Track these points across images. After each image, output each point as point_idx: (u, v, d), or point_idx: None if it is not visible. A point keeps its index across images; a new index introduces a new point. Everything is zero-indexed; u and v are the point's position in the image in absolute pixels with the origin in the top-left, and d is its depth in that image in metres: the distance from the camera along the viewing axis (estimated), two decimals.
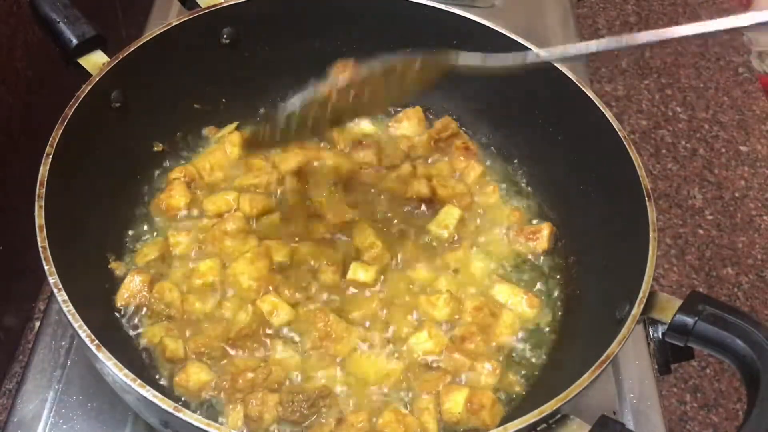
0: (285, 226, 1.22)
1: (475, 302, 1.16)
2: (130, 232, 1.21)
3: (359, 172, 1.31)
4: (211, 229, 1.19)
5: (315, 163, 1.31)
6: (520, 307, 1.17)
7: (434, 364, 1.10)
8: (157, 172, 1.28)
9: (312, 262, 1.18)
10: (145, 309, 1.12)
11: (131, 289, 1.11)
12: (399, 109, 1.42)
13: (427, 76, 1.09)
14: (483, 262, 1.23)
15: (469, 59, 1.07)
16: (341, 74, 1.04)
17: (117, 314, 1.11)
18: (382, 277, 1.18)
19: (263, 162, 1.30)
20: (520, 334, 1.16)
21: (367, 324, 1.13)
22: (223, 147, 1.31)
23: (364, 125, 1.39)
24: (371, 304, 1.15)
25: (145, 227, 1.22)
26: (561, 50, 1.08)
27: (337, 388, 1.06)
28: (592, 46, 1.01)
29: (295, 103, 1.05)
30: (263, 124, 1.12)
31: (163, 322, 1.10)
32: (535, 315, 1.18)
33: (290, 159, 1.29)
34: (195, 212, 1.23)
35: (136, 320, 1.11)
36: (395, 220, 1.26)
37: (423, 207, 1.27)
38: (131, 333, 1.10)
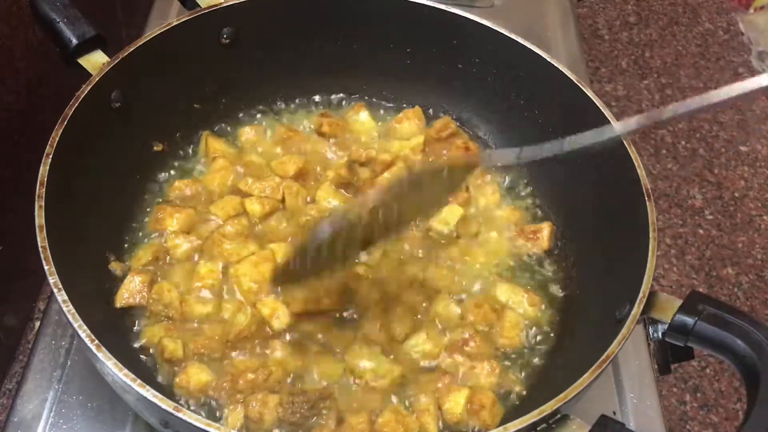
0: (288, 226, 1.22)
1: (475, 299, 1.16)
2: (130, 232, 1.21)
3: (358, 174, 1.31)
4: (211, 234, 1.19)
5: (317, 168, 1.31)
6: (521, 306, 1.17)
7: (434, 365, 1.10)
8: (157, 175, 1.28)
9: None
10: (144, 309, 1.12)
11: (131, 289, 1.11)
12: (402, 105, 1.42)
13: (458, 179, 1.06)
14: (483, 261, 1.23)
15: (502, 157, 1.03)
16: (368, 194, 1.00)
17: (117, 314, 1.11)
18: (381, 274, 1.18)
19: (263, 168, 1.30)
20: (521, 334, 1.16)
21: (362, 319, 1.13)
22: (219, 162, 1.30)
23: (364, 120, 1.39)
24: (369, 299, 1.14)
25: (145, 228, 1.22)
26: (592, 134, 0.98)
27: (337, 390, 1.06)
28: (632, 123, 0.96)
29: (325, 230, 0.98)
30: (293, 256, 1.03)
31: (162, 323, 1.10)
32: (536, 314, 1.18)
33: (289, 163, 1.30)
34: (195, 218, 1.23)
35: (135, 320, 1.11)
36: (395, 217, 1.26)
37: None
38: (131, 333, 1.10)
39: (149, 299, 1.11)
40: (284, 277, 1.07)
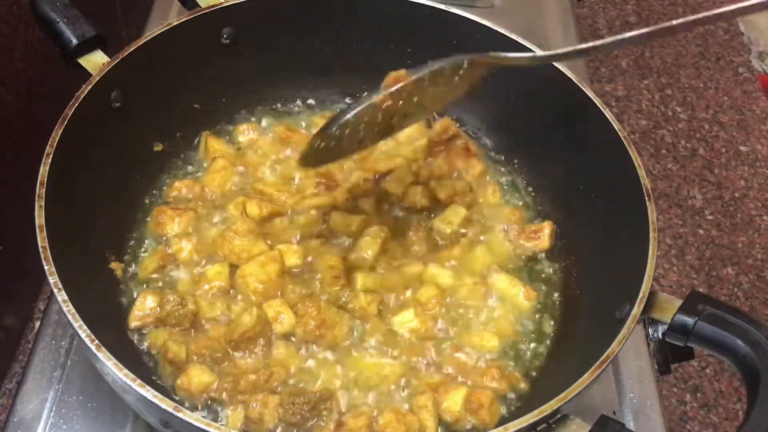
0: (290, 228, 1.22)
1: (473, 279, 1.17)
2: (131, 232, 1.21)
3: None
4: (221, 234, 1.18)
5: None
6: (517, 298, 1.17)
7: (433, 363, 1.10)
8: (157, 175, 1.28)
9: (318, 269, 1.17)
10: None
11: (144, 308, 1.10)
12: None
13: (473, 79, 1.10)
14: (483, 261, 1.23)
15: (518, 59, 1.10)
16: (393, 83, 1.06)
17: (117, 314, 1.11)
18: (381, 274, 1.18)
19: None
20: (520, 334, 1.16)
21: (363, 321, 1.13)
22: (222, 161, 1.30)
23: None
24: (369, 303, 1.15)
25: (146, 229, 1.22)
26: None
27: (338, 391, 1.06)
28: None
29: (347, 112, 1.05)
30: (316, 138, 1.09)
31: (167, 327, 1.10)
32: (532, 308, 1.18)
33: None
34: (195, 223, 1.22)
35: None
36: (398, 215, 1.27)
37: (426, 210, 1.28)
38: (132, 333, 1.10)
39: (163, 313, 1.09)
40: (309, 159, 1.12)
